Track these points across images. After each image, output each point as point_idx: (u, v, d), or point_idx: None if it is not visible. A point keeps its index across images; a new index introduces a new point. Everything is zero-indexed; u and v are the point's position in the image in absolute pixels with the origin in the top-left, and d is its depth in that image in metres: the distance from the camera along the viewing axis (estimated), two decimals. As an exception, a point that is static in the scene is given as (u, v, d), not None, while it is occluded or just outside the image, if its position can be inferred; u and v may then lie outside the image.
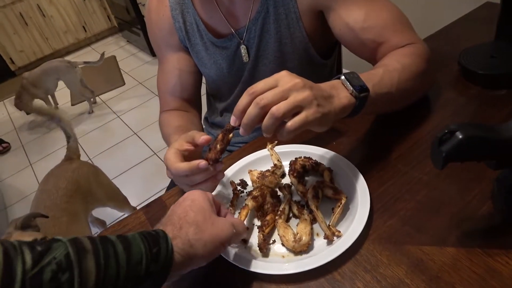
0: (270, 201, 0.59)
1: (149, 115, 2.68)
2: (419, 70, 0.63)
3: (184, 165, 0.56)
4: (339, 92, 0.52)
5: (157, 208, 0.67)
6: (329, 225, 0.54)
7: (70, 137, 1.49)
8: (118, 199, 1.51)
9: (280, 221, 0.55)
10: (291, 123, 0.47)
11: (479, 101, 0.70)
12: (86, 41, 4.11)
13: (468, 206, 0.53)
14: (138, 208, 1.70)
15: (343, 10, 0.68)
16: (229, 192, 0.64)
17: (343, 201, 0.55)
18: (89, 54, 3.95)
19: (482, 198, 0.53)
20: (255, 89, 0.49)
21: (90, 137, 2.69)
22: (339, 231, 0.53)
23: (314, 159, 0.64)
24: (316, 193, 0.57)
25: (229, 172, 0.67)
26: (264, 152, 0.69)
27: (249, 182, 0.65)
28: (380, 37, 0.67)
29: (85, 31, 4.00)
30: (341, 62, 1.03)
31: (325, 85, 0.52)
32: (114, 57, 3.70)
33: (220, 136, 0.55)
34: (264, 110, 0.47)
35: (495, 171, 0.47)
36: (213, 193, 0.64)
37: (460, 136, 0.41)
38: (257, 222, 0.59)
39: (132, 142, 2.50)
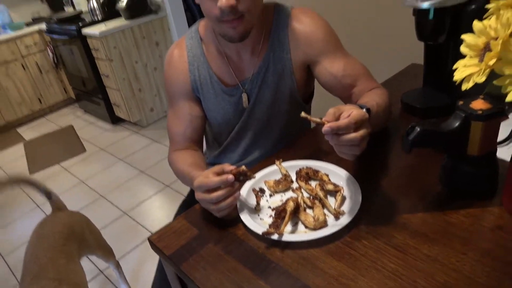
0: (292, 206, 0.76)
1: (116, 178, 2.75)
2: (389, 108, 0.91)
3: (217, 178, 0.74)
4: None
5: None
6: (334, 208, 0.74)
7: (50, 193, 1.54)
8: (106, 248, 1.56)
9: (300, 210, 0.75)
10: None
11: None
12: (41, 112, 4.14)
13: (427, 187, 0.77)
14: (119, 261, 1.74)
15: (328, 63, 0.95)
16: (252, 197, 0.83)
17: (342, 191, 0.76)
18: (43, 125, 3.97)
19: (434, 181, 0.77)
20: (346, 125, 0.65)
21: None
22: (343, 210, 0.73)
23: (313, 169, 0.86)
24: (322, 187, 0.78)
25: (249, 183, 0.85)
26: (272, 167, 0.89)
27: (266, 190, 0.85)
28: (355, 82, 0.94)
29: (41, 102, 4.04)
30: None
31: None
32: (72, 126, 3.76)
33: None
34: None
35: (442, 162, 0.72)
36: (239, 201, 0.81)
37: (418, 129, 0.66)
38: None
39: (99, 205, 2.53)
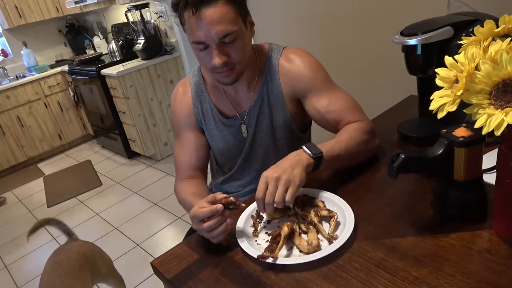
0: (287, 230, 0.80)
1: (130, 210, 2.81)
2: (362, 140, 0.95)
3: (207, 209, 0.79)
4: (302, 156, 0.82)
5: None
6: (328, 233, 0.77)
7: (71, 234, 1.62)
8: (117, 277, 1.61)
9: (295, 235, 0.78)
10: (289, 198, 0.78)
11: (415, 154, 1.01)
12: (60, 148, 4.30)
13: (419, 212, 0.79)
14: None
15: (314, 98, 1.02)
16: (251, 224, 0.86)
17: (336, 217, 0.80)
18: (63, 160, 4.11)
19: (426, 206, 0.80)
20: (260, 195, 0.79)
21: (68, 236, 2.73)
22: (336, 235, 0.76)
23: (309, 196, 0.89)
24: (316, 213, 0.81)
25: (248, 210, 0.89)
26: (271, 196, 0.93)
27: (264, 216, 0.88)
28: (339, 117, 1.00)
29: (61, 139, 4.21)
30: (311, 135, 1.35)
31: (292, 157, 0.83)
32: (89, 161, 3.88)
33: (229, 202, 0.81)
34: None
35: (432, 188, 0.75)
36: (238, 227, 0.85)
37: (403, 156, 0.70)
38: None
39: (113, 237, 2.58)
